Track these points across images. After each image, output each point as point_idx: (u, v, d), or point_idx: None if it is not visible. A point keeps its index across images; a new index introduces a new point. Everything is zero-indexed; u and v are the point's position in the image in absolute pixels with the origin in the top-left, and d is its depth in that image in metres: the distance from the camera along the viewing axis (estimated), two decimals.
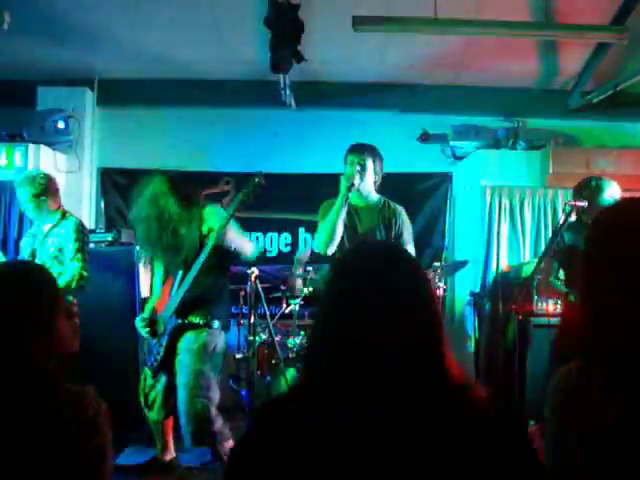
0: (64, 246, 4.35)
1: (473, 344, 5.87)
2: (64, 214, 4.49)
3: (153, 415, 4.04)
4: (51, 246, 4.38)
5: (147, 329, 3.97)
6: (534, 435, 4.05)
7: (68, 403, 1.52)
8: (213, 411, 3.74)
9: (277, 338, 5.10)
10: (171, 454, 4.25)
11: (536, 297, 5.27)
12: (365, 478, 1.23)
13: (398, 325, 1.31)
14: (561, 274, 4.59)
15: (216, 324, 3.91)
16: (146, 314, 4.04)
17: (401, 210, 4.21)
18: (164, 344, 3.92)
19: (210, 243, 3.75)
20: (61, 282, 4.28)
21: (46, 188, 4.40)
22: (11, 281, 1.67)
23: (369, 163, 4.10)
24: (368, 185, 4.14)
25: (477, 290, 5.87)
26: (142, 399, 4.08)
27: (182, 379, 3.77)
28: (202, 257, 3.75)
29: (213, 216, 3.94)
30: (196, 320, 3.91)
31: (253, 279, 4.74)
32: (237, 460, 1.36)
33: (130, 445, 4.71)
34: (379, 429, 1.25)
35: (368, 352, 1.30)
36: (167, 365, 3.93)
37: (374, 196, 4.22)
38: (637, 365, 1.31)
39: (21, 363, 1.55)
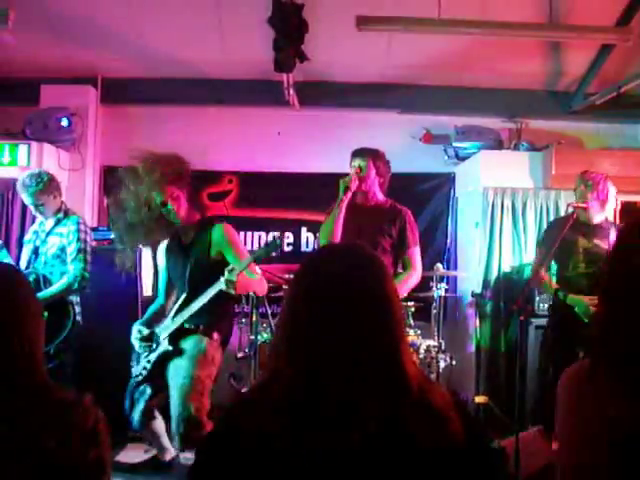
0: (66, 245, 4.35)
1: (474, 344, 5.87)
2: (66, 212, 4.49)
3: (134, 422, 3.96)
4: (53, 245, 4.39)
5: (141, 343, 3.92)
6: (533, 437, 4.02)
7: (66, 414, 1.47)
8: (204, 418, 3.67)
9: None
10: (171, 454, 4.24)
11: (537, 298, 5.28)
12: None
13: (354, 327, 1.35)
14: (553, 267, 4.61)
15: (215, 336, 3.84)
16: (145, 330, 3.95)
17: (406, 212, 4.24)
18: (152, 361, 3.88)
19: (211, 294, 3.66)
20: (64, 282, 4.29)
21: (48, 186, 4.40)
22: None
23: (370, 166, 4.16)
24: (373, 187, 4.20)
25: (479, 291, 5.87)
26: (129, 405, 3.97)
27: (178, 381, 3.70)
28: (208, 295, 3.66)
29: (222, 242, 3.86)
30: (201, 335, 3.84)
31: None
32: (204, 457, 1.38)
33: (130, 444, 4.71)
34: (335, 447, 1.27)
35: (324, 355, 1.34)
36: (153, 378, 3.88)
37: (380, 198, 4.27)
38: None
39: (13, 375, 1.50)
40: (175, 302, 3.93)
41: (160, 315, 4.07)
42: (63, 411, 1.48)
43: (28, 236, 4.61)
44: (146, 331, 3.92)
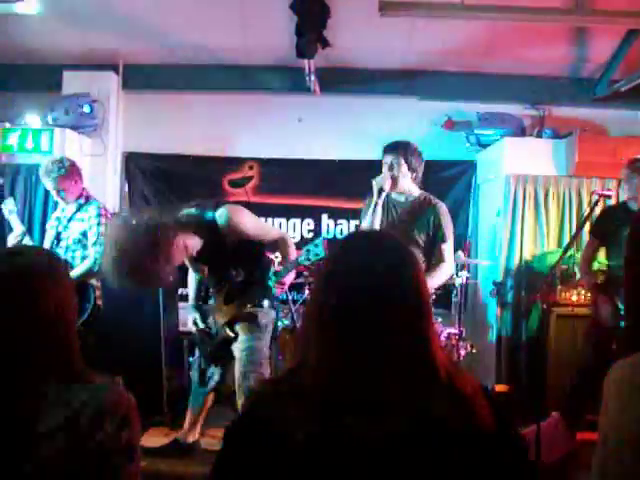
0: (87, 230, 4.40)
1: (495, 333, 5.84)
2: (87, 198, 4.54)
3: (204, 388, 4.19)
4: (75, 230, 4.44)
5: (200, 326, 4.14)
6: (554, 426, 4.01)
7: (100, 398, 1.48)
8: None
9: (299, 324, 5.12)
10: (194, 436, 4.29)
11: (559, 287, 5.24)
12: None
13: (382, 316, 1.35)
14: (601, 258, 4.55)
15: (266, 302, 3.98)
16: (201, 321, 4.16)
17: (441, 206, 4.18)
18: (215, 344, 4.07)
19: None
20: (84, 267, 4.34)
21: (69, 172, 4.45)
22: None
23: (401, 162, 4.11)
24: (406, 182, 4.16)
25: (500, 279, 5.84)
26: (197, 377, 4.19)
27: (237, 354, 3.89)
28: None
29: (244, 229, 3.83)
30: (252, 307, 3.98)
31: (276, 264, 4.75)
32: (231, 444, 1.38)
33: (151, 428, 4.75)
34: (365, 431, 1.27)
35: (353, 343, 1.34)
36: (220, 353, 4.07)
37: (414, 192, 4.22)
38: None
39: (52, 358, 1.51)
40: (218, 287, 4.02)
41: (202, 289, 4.24)
42: (97, 395, 1.49)
43: (51, 222, 4.66)
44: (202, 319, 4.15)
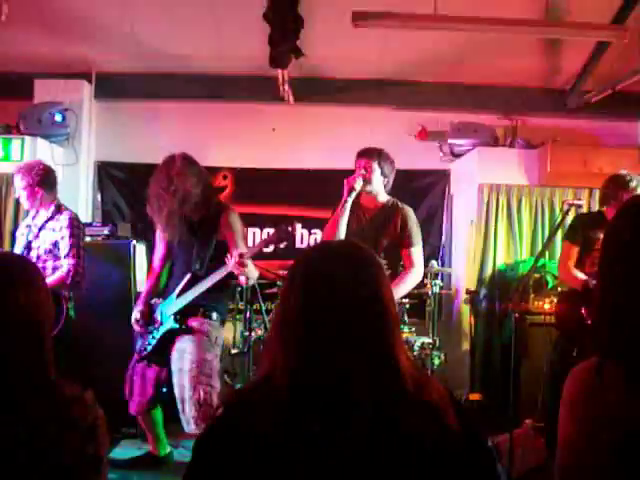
0: (59, 241, 4.34)
1: (469, 341, 5.87)
2: (59, 207, 4.47)
3: (134, 406, 4.09)
4: (46, 240, 4.37)
5: (143, 320, 4.08)
6: (527, 435, 4.03)
7: (69, 407, 1.47)
8: (215, 399, 3.82)
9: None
10: (165, 449, 4.25)
11: (532, 295, 5.28)
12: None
13: (347, 327, 1.35)
14: None
15: (214, 316, 3.98)
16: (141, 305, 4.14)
17: (409, 210, 4.21)
18: (157, 338, 3.98)
19: (219, 276, 3.80)
20: (56, 277, 4.28)
21: (44, 179, 4.39)
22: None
23: (374, 167, 4.13)
24: (376, 187, 4.17)
25: (473, 288, 5.87)
26: (129, 388, 4.10)
27: (185, 366, 3.83)
28: (214, 278, 3.81)
29: (232, 230, 4.01)
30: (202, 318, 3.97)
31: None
32: (200, 456, 1.37)
33: (125, 440, 4.70)
34: (333, 436, 1.28)
35: (318, 354, 1.35)
36: (154, 357, 4.01)
37: (383, 198, 4.24)
38: None
39: (24, 368, 1.49)
40: (177, 279, 4.01)
41: (157, 288, 4.25)
42: (63, 406, 1.48)
43: (21, 229, 4.57)
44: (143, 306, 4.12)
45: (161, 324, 3.98)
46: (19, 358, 1.49)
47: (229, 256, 3.70)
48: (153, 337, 4.00)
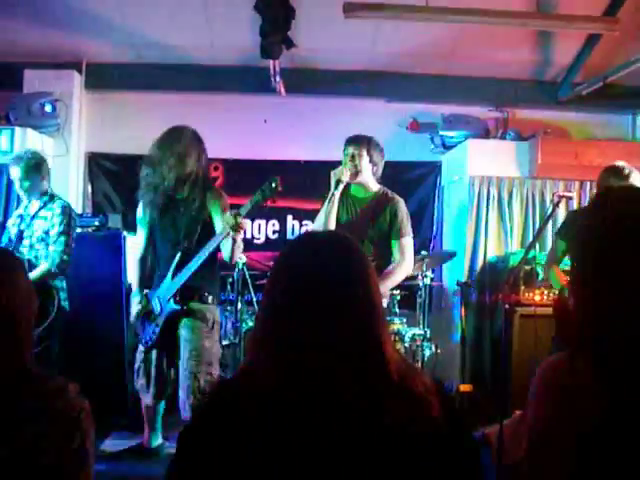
0: (50, 228, 4.34)
1: (460, 333, 5.89)
2: (52, 197, 4.48)
3: (150, 395, 4.08)
4: (38, 228, 4.37)
5: (142, 310, 4.07)
6: (517, 425, 4.03)
7: (52, 400, 1.46)
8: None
9: None
10: (158, 440, 4.25)
11: (522, 287, 5.29)
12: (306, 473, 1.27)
13: (332, 319, 1.35)
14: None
15: (210, 299, 3.99)
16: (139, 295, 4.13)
17: (399, 201, 4.17)
18: (161, 325, 3.97)
19: (215, 244, 3.80)
20: (44, 268, 4.27)
21: (38, 167, 4.42)
22: None
23: (363, 154, 4.09)
24: (366, 176, 4.14)
25: (464, 280, 5.88)
26: (144, 379, 4.08)
27: (185, 354, 3.87)
28: (209, 248, 3.80)
29: (217, 207, 4.00)
30: (195, 303, 3.97)
31: (241, 266, 4.74)
32: (185, 446, 1.37)
33: (115, 431, 4.70)
34: (320, 430, 1.28)
35: (307, 351, 1.34)
36: (162, 344, 4.01)
37: (373, 187, 4.21)
38: (621, 352, 1.31)
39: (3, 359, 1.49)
40: (167, 262, 3.99)
41: (146, 274, 4.22)
42: (47, 398, 1.47)
43: (12, 219, 4.57)
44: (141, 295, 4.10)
45: (162, 310, 3.97)
46: None
47: (222, 217, 3.77)
48: (157, 325, 3.99)
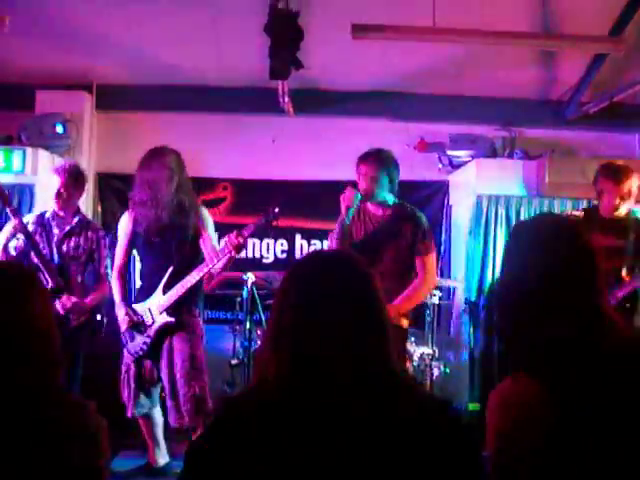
0: (95, 251, 4.37)
1: (468, 352, 5.87)
2: (84, 215, 4.50)
3: (144, 404, 4.14)
4: (77, 247, 4.33)
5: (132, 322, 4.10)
6: None
7: (69, 417, 1.47)
8: (207, 393, 4.00)
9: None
10: (164, 458, 4.24)
11: None
12: None
13: (338, 337, 1.38)
14: None
15: (197, 312, 4.14)
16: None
17: (420, 216, 4.05)
18: (152, 336, 4.03)
19: (220, 262, 3.97)
20: (99, 293, 4.32)
21: (82, 182, 4.48)
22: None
23: (376, 174, 3.94)
24: (380, 194, 3.99)
25: (473, 299, 5.87)
26: (126, 390, 4.11)
27: (178, 363, 3.96)
28: (215, 265, 3.96)
29: (208, 223, 4.21)
30: (186, 315, 4.08)
31: (249, 285, 4.74)
32: (193, 464, 1.38)
33: (123, 450, 4.69)
34: (330, 441, 1.29)
35: (318, 366, 1.36)
36: (150, 354, 4.07)
37: (391, 202, 4.06)
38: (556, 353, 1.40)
39: (26, 375, 1.48)
40: (154, 275, 4.09)
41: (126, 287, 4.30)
42: (68, 414, 1.48)
43: (30, 227, 4.31)
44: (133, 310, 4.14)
45: (153, 322, 4.03)
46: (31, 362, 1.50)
47: (227, 237, 3.89)
48: (148, 336, 4.04)
